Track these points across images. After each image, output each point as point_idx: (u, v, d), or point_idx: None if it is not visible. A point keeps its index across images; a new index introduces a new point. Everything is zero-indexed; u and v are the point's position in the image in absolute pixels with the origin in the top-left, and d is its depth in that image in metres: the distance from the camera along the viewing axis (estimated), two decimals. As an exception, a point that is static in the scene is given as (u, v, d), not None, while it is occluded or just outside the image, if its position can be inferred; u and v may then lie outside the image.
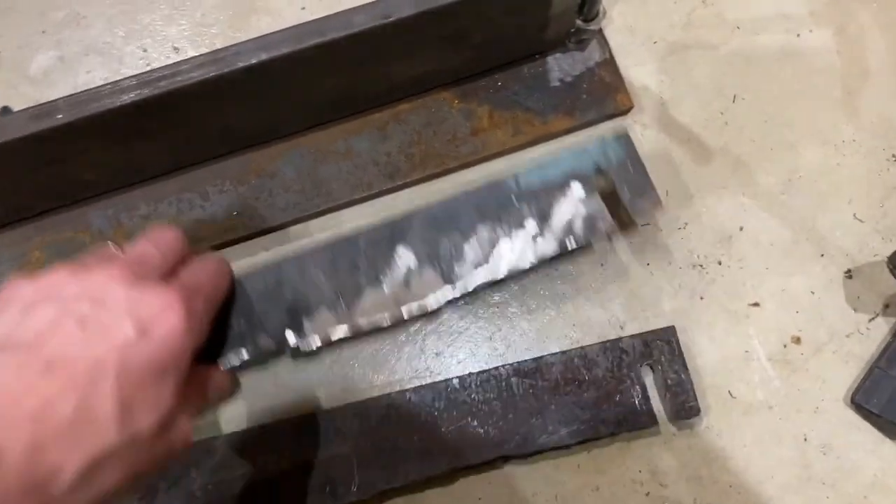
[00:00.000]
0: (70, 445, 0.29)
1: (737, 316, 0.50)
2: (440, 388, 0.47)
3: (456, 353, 0.50)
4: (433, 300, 0.44)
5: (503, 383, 0.47)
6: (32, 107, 0.39)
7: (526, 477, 0.47)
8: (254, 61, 0.40)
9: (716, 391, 0.49)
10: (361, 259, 0.44)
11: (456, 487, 0.47)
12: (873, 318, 0.50)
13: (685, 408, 0.47)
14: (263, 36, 0.40)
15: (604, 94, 0.51)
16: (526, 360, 0.48)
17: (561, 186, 0.45)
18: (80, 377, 0.29)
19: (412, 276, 0.44)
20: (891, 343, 0.48)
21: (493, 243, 0.45)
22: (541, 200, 0.45)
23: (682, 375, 0.47)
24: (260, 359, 0.42)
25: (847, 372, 0.49)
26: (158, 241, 0.37)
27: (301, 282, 0.43)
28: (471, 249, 0.45)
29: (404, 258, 0.44)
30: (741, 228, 0.51)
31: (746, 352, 0.49)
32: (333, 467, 0.46)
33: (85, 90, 0.39)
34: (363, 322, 0.44)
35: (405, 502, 0.47)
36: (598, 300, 0.50)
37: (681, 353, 0.48)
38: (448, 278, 0.44)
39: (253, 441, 0.47)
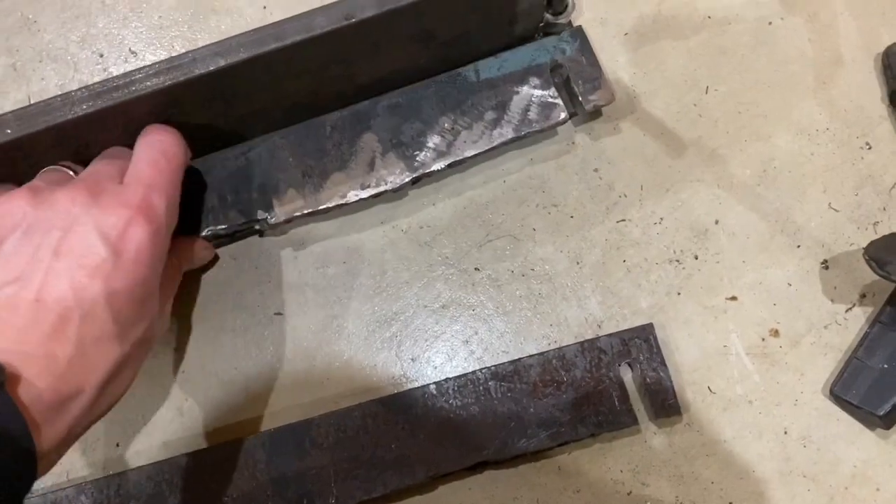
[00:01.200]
0: (84, 371, 0.32)
1: (714, 311, 0.50)
2: (417, 396, 0.46)
3: (432, 359, 0.49)
4: (396, 180, 0.47)
5: (480, 388, 0.46)
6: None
7: (506, 481, 0.47)
8: (212, 68, 0.38)
9: (695, 387, 0.48)
10: (328, 143, 0.47)
11: (436, 495, 0.47)
12: (850, 309, 0.49)
13: (665, 406, 0.47)
14: (221, 41, 0.39)
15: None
16: (503, 363, 0.47)
17: (519, 77, 0.49)
18: (72, 311, 0.32)
19: (376, 160, 0.47)
20: (868, 333, 0.48)
21: (454, 132, 0.48)
22: (499, 90, 0.49)
23: (661, 373, 0.47)
24: (231, 233, 0.47)
25: (825, 363, 0.48)
26: (114, 153, 0.40)
27: (270, 163, 0.47)
28: (432, 136, 0.48)
29: (369, 143, 0.47)
30: (717, 222, 0.51)
31: (725, 346, 0.49)
32: (310, 480, 0.45)
33: (34, 103, 0.38)
34: (329, 201, 0.47)
35: (385, 512, 0.46)
36: (574, 299, 0.49)
37: (659, 351, 0.47)
38: (410, 164, 0.47)
39: (226, 456, 0.45)
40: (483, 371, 0.47)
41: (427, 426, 0.46)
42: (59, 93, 0.38)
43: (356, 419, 0.46)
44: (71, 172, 0.40)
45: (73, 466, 0.47)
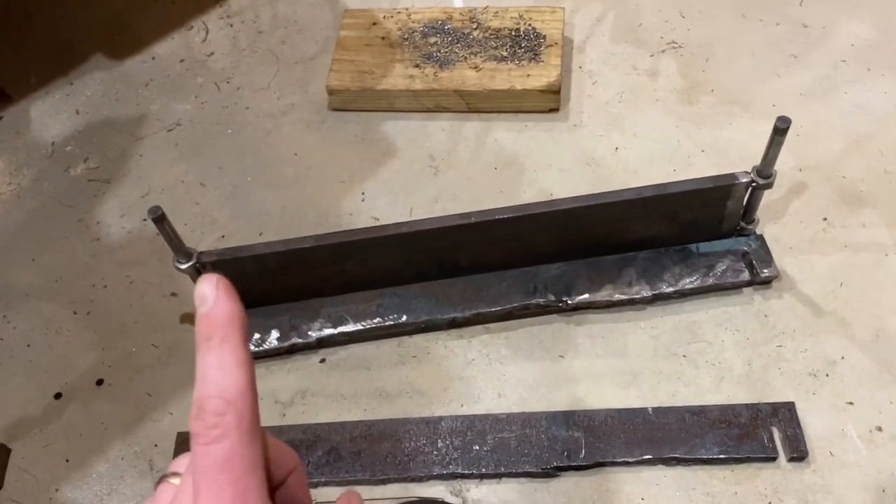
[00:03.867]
0: None
1: (837, 408, 0.78)
2: (636, 413, 0.78)
3: (650, 391, 0.81)
4: (642, 294, 0.84)
5: (681, 416, 0.77)
6: (457, 214, 0.80)
7: (691, 477, 0.75)
8: (567, 207, 0.79)
9: (819, 450, 0.75)
10: (605, 273, 0.86)
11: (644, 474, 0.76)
12: (934, 423, 0.76)
13: (798, 451, 0.74)
14: (576, 196, 0.80)
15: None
16: (694, 405, 0.78)
17: (721, 254, 0.85)
18: None
19: (633, 281, 0.84)
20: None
21: (680, 276, 0.83)
22: (710, 259, 0.84)
23: (797, 431, 0.75)
24: (544, 306, 0.84)
25: (914, 452, 0.74)
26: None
27: (573, 276, 0.82)
28: (667, 275, 0.84)
29: (630, 273, 0.84)
30: (842, 357, 0.81)
31: (843, 430, 0.76)
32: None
33: (485, 209, 0.81)
34: (602, 298, 0.84)
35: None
36: (745, 384, 0.80)
37: (797, 418, 0.76)
38: (652, 287, 0.84)
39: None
40: (685, 406, 0.78)
41: (641, 431, 0.76)
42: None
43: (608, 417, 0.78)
44: (177, 480, 0.33)
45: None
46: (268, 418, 0.82)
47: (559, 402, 0.81)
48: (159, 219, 0.74)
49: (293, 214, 0.99)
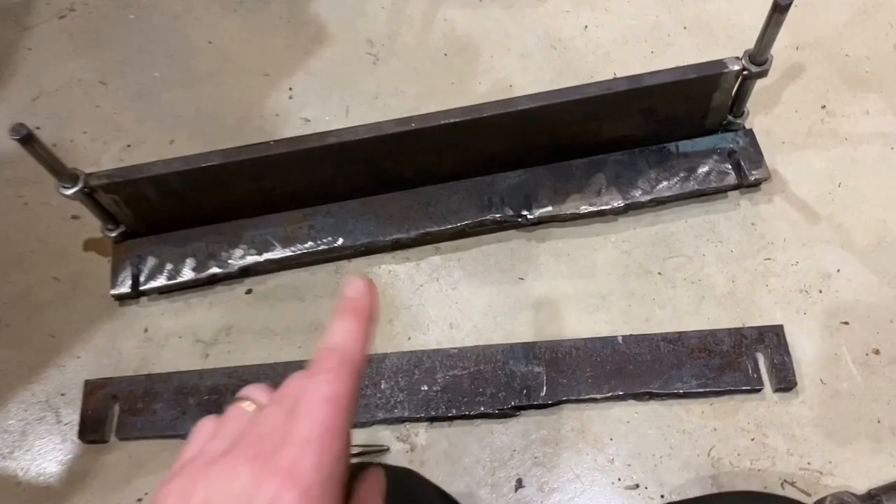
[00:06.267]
0: None
1: (830, 329, 0.69)
2: (608, 341, 0.68)
3: (621, 319, 0.71)
4: (613, 205, 0.73)
5: (654, 345, 0.68)
6: (395, 119, 0.67)
7: (666, 412, 0.67)
8: (526, 107, 0.66)
9: (810, 378, 0.67)
10: (573, 176, 0.75)
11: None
12: (938, 344, 0.67)
13: (786, 381, 0.65)
14: (534, 94, 0.67)
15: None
16: (671, 332, 0.69)
17: (705, 154, 0.73)
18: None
19: (602, 190, 0.73)
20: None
21: (657, 182, 0.72)
22: (691, 161, 0.73)
23: (785, 358, 0.66)
24: (502, 221, 0.75)
25: (914, 378, 0.66)
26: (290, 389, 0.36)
27: (536, 183, 0.74)
28: (642, 181, 0.73)
29: (599, 179, 0.73)
30: (838, 271, 0.71)
31: (836, 354, 0.68)
32: (528, 378, 0.67)
33: (426, 113, 0.67)
34: (568, 210, 0.74)
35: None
36: (727, 304, 0.71)
37: (785, 344, 0.67)
38: (624, 196, 0.73)
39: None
40: (660, 333, 0.68)
41: (610, 364, 0.67)
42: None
43: (569, 347, 0.68)
44: (252, 407, 0.37)
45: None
46: (188, 360, 0.72)
47: (518, 331, 0.71)
48: (26, 139, 0.61)
49: (209, 116, 0.84)
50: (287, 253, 0.73)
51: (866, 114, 0.78)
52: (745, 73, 0.67)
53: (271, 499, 0.32)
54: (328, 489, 0.33)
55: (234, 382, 0.69)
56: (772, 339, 0.68)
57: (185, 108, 0.85)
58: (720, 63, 0.67)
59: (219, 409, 0.39)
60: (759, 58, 0.66)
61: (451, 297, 0.73)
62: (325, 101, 0.84)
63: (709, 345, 0.68)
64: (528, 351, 0.69)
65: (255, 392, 0.37)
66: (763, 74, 0.67)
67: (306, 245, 0.73)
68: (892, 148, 0.77)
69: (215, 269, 0.73)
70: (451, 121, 0.67)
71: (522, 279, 0.74)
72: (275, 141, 0.68)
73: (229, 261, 0.73)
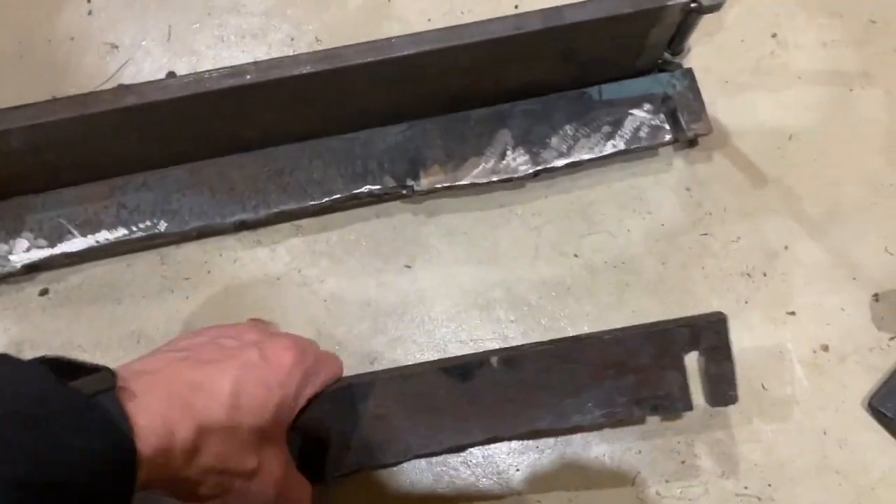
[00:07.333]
0: (187, 413, 0.38)
1: (775, 321, 0.58)
2: (479, 358, 0.53)
3: (520, 322, 0.57)
4: (521, 171, 0.57)
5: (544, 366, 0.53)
6: (223, 68, 0.48)
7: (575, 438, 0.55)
8: (407, 52, 0.48)
9: (749, 383, 0.56)
10: (471, 133, 0.58)
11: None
12: (893, 338, 0.57)
13: (725, 395, 0.53)
14: (417, 33, 0.49)
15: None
16: (565, 339, 0.53)
17: (634, 102, 0.58)
18: (212, 367, 0.42)
19: (507, 152, 0.57)
20: (907, 359, 0.55)
21: (575, 140, 0.57)
22: (617, 110, 0.58)
23: (726, 366, 0.54)
24: (382, 194, 0.57)
25: (866, 380, 0.56)
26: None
27: (422, 142, 0.57)
28: (556, 139, 0.57)
29: (504, 137, 0.57)
30: (786, 247, 0.59)
31: (780, 352, 0.57)
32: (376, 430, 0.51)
33: (267, 59, 0.48)
34: (464, 179, 0.57)
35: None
36: (655, 293, 0.58)
37: (728, 343, 0.53)
38: (534, 159, 0.57)
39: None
40: (551, 348, 0.52)
41: (489, 393, 0.51)
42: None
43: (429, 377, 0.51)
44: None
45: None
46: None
47: (407, 338, 0.56)
48: None
49: (-25, 43, 0.61)
50: (90, 243, 0.54)
51: (823, 45, 0.64)
52: (693, 5, 0.50)
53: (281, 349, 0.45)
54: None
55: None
56: (710, 339, 0.55)
57: (-61, 27, 0.61)
58: (662, -8, 0.50)
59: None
60: (712, -15, 0.49)
61: (317, 295, 0.57)
62: (139, 18, 0.63)
63: (620, 357, 0.53)
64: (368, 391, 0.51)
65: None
66: (716, 8, 0.51)
67: (117, 232, 0.55)
68: (850, 90, 0.63)
69: (-11, 268, 0.54)
70: (303, 71, 0.48)
71: (409, 267, 0.58)
72: (54, 100, 0.48)
73: (9, 256, 0.54)
